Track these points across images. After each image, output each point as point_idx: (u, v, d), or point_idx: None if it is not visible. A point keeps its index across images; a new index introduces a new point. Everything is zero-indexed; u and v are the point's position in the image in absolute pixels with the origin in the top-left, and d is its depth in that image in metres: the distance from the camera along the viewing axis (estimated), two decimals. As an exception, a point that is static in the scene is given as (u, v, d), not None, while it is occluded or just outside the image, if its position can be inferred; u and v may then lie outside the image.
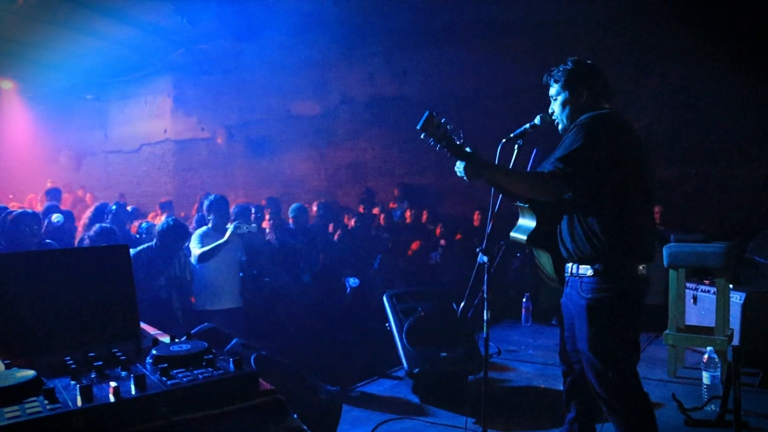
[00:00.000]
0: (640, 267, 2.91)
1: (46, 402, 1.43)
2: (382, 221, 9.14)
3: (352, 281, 6.47)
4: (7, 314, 1.95)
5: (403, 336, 4.94)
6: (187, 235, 5.40)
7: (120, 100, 14.90)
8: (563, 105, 3.13)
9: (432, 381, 4.82)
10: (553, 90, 3.18)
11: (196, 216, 7.57)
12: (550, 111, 3.23)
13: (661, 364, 5.35)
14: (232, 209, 6.20)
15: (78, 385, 1.46)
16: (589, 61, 3.16)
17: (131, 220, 7.36)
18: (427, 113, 2.90)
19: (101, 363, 1.66)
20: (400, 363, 4.95)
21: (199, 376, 1.59)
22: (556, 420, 3.97)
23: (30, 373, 1.54)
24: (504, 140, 3.27)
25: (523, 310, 7.39)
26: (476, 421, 4.04)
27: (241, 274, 5.70)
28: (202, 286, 5.41)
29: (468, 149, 2.97)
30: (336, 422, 3.50)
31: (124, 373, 1.64)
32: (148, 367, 1.70)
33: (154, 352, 1.75)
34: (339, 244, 7.22)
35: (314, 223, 7.76)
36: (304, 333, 5.87)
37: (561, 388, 3.46)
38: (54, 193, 9.12)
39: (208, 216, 5.59)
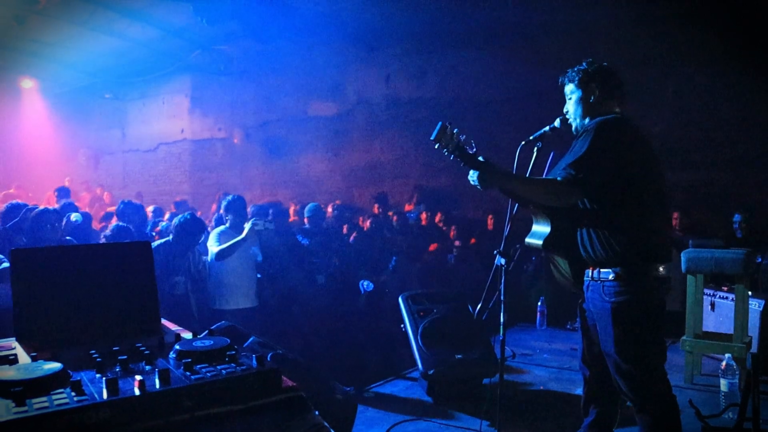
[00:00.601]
0: (660, 268, 2.93)
1: (73, 394, 1.45)
2: (394, 222, 9.11)
3: (366, 284, 6.47)
4: (34, 308, 1.99)
5: (419, 337, 4.95)
6: (204, 230, 5.44)
7: (138, 100, 15.04)
8: (576, 104, 3.16)
9: (447, 383, 4.83)
10: (568, 89, 3.21)
11: (215, 215, 7.63)
12: (564, 110, 3.24)
13: (678, 370, 5.30)
14: (249, 209, 6.23)
15: (104, 378, 1.49)
16: (605, 63, 3.17)
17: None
18: (440, 124, 2.93)
19: (126, 357, 1.68)
20: (415, 364, 4.96)
21: (222, 371, 1.61)
22: (570, 424, 3.95)
23: (57, 365, 1.57)
24: (523, 143, 3.30)
25: (538, 313, 7.38)
26: (491, 423, 4.04)
27: (258, 276, 5.73)
28: (218, 285, 5.45)
29: (481, 158, 3.00)
30: (351, 422, 3.51)
31: (148, 368, 1.66)
32: (171, 361, 1.72)
33: (177, 347, 1.76)
34: (354, 246, 7.22)
35: (329, 224, 7.77)
36: (319, 333, 5.88)
37: (576, 392, 3.45)
38: (64, 192, 9.26)
39: (226, 216, 5.64)
